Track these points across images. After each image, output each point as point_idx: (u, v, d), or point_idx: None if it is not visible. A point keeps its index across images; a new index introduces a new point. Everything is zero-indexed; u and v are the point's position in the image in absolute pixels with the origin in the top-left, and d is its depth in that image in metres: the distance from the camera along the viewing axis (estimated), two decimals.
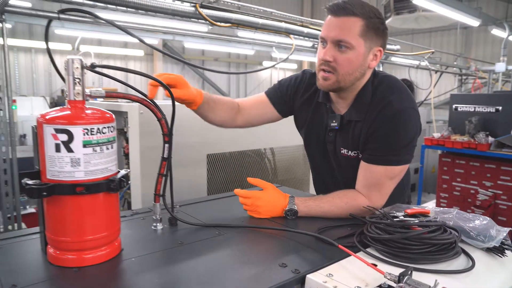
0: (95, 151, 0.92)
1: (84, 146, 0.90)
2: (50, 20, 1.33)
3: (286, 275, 0.91)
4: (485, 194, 4.09)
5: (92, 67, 0.96)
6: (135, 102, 1.15)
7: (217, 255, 1.05)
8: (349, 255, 0.98)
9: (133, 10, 2.72)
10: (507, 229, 1.08)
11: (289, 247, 1.09)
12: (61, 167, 0.89)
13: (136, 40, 1.44)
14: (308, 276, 0.91)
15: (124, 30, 1.36)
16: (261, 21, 3.37)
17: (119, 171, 1.01)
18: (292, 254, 1.04)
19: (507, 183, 3.95)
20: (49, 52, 1.18)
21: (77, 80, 0.92)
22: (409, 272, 0.83)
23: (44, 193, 0.89)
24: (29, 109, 8.06)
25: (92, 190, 0.92)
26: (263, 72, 14.92)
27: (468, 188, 4.26)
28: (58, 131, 0.88)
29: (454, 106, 4.47)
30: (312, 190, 1.79)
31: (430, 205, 4.81)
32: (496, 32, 7.69)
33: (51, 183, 0.90)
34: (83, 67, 0.92)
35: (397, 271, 0.84)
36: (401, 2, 6.18)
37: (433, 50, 6.15)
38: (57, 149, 0.89)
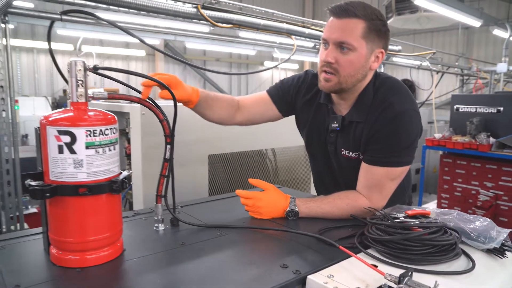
0: (98, 152, 0.92)
1: (87, 147, 0.91)
2: (52, 21, 1.33)
3: (287, 276, 0.91)
4: (486, 195, 4.09)
5: (95, 69, 0.97)
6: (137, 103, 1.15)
7: (218, 256, 1.05)
8: (349, 256, 0.99)
9: (135, 11, 2.73)
10: (508, 230, 1.08)
11: (290, 248, 1.10)
12: (64, 168, 0.90)
13: (138, 41, 1.45)
14: (309, 277, 0.91)
15: (125, 30, 1.37)
16: (262, 22, 3.37)
17: (121, 172, 1.01)
18: (293, 255, 1.05)
19: (508, 184, 3.95)
20: (51, 53, 1.19)
21: (80, 82, 0.92)
22: (410, 273, 0.83)
23: (47, 194, 0.90)
24: (31, 109, 8.08)
25: (94, 191, 0.93)
26: (264, 73, 14.90)
27: (469, 188, 4.26)
28: (61, 132, 0.89)
29: (455, 106, 4.47)
30: (313, 191, 1.80)
31: (431, 206, 4.81)
32: (498, 32, 7.66)
33: (54, 184, 0.91)
34: (86, 69, 0.93)
35: (397, 272, 0.85)
36: (402, 3, 6.19)
37: (434, 51, 6.13)
38: (60, 150, 0.89)
